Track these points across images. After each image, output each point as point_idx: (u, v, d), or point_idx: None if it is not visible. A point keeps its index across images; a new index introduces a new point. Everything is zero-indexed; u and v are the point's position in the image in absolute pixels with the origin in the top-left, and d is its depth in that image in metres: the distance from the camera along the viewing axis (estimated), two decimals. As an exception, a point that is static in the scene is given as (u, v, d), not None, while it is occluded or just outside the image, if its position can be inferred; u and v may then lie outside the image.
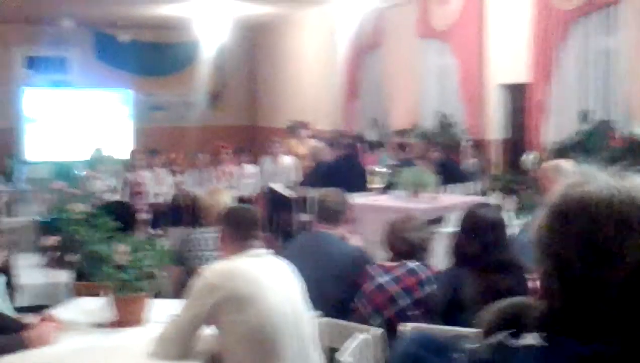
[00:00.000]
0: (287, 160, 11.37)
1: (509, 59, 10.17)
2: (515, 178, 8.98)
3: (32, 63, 17.84)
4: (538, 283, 1.39)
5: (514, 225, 5.85)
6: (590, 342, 1.26)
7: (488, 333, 1.36)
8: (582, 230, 1.28)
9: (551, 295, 1.31)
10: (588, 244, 1.27)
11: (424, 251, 4.33)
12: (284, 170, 11.20)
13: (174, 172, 10.89)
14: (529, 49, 9.46)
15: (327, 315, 3.94)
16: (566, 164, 5.59)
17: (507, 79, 10.40)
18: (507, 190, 8.86)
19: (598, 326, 1.27)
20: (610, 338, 1.25)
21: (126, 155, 11.24)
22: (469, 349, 1.36)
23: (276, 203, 10.75)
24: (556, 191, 1.37)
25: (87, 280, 4.38)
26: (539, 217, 1.37)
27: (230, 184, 10.44)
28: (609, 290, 1.26)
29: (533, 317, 1.34)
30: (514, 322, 1.34)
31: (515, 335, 1.32)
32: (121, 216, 4.87)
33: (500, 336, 1.33)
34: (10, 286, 4.94)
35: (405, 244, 4.24)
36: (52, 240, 5.56)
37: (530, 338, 1.30)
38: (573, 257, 1.28)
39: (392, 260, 4.26)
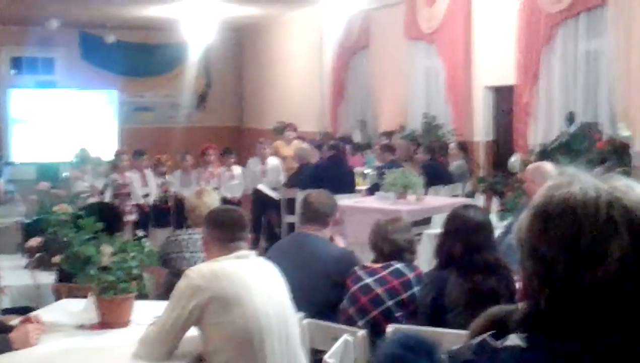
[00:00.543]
0: (273, 161, 11.36)
1: (495, 61, 10.20)
2: (501, 180, 9.01)
3: (18, 64, 17.75)
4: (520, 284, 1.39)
5: (498, 227, 5.86)
6: (572, 342, 1.26)
7: (474, 336, 1.36)
8: (566, 231, 1.28)
9: (534, 296, 1.32)
10: (572, 245, 1.27)
11: (410, 252, 4.33)
12: (270, 172, 11.19)
13: (160, 173, 10.85)
14: (515, 51, 9.50)
15: (314, 316, 3.94)
16: (547, 166, 5.63)
17: (493, 81, 10.43)
18: (493, 192, 8.89)
19: (581, 326, 1.27)
20: (592, 338, 1.26)
21: (111, 156, 11.19)
22: (452, 350, 1.36)
23: (262, 204, 10.75)
24: (539, 192, 1.37)
25: (71, 282, 4.35)
26: (522, 218, 1.37)
27: (216, 185, 10.41)
28: (592, 290, 1.26)
29: (516, 318, 1.34)
30: (501, 326, 1.35)
31: (499, 336, 1.32)
32: (106, 217, 4.84)
33: (483, 337, 1.33)
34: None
35: (391, 245, 4.24)
36: (35, 241, 5.53)
37: (513, 339, 1.30)
38: (556, 258, 1.28)
39: (377, 261, 4.26)
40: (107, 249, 3.69)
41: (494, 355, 1.30)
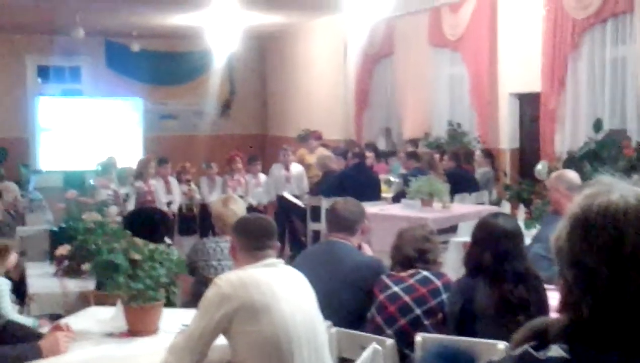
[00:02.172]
0: (297, 168, 11.36)
1: (520, 68, 10.15)
2: (527, 187, 8.94)
3: (45, 72, 17.94)
4: (558, 295, 1.38)
5: (525, 235, 5.82)
6: (616, 353, 1.24)
7: (515, 347, 1.35)
8: (608, 239, 1.27)
9: (575, 306, 1.30)
10: (614, 253, 1.26)
11: (436, 260, 4.30)
12: (294, 179, 11.19)
13: (184, 181, 10.89)
14: (541, 57, 9.44)
15: (342, 325, 3.92)
16: (570, 174, 5.60)
17: (519, 88, 10.37)
18: (519, 200, 8.83)
19: (625, 336, 1.26)
20: (637, 348, 1.24)
21: (136, 164, 11.25)
22: (493, 361, 1.35)
23: (286, 211, 10.75)
24: (576, 201, 1.36)
25: (101, 289, 4.39)
26: (560, 227, 1.36)
27: (243, 193, 10.45)
28: (636, 299, 1.25)
29: (557, 328, 1.33)
30: (542, 337, 1.33)
31: (540, 347, 1.31)
32: (153, 223, 4.93)
33: (525, 348, 1.32)
34: (23, 294, 4.96)
35: (416, 253, 4.22)
36: (64, 249, 5.57)
37: (555, 350, 1.29)
38: (599, 267, 1.27)
39: (402, 269, 4.24)
40: (136, 256, 3.69)
41: None
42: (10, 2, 12.98)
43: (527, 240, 5.25)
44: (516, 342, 1.39)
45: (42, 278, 5.46)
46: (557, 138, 9.32)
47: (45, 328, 3.81)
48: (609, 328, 1.27)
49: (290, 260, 4.11)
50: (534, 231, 6.02)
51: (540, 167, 8.99)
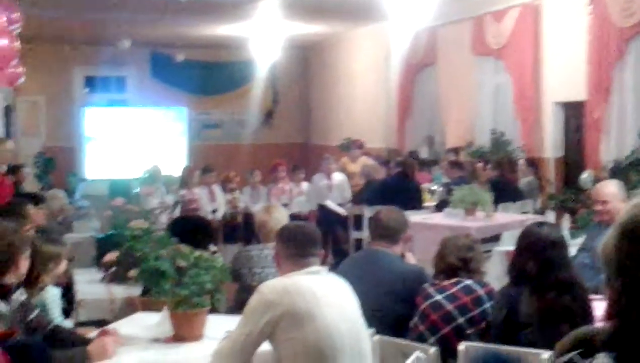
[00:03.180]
0: (339, 177, 11.38)
1: (565, 77, 10.06)
2: (571, 197, 8.85)
3: (92, 83, 18.25)
4: (604, 304, 1.38)
5: (570, 244, 5.78)
6: None
7: (560, 356, 1.36)
8: None
9: (622, 315, 1.30)
10: None
11: (479, 269, 4.29)
12: (335, 187, 11.22)
13: (228, 190, 10.99)
14: (585, 66, 9.35)
15: (385, 333, 3.93)
16: (610, 185, 5.56)
17: (563, 97, 10.29)
18: (564, 209, 8.74)
19: None
20: None
21: (180, 173, 11.38)
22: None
23: (328, 220, 10.77)
24: (624, 211, 1.36)
25: (148, 295, 4.45)
26: (607, 237, 1.36)
27: (286, 201, 10.51)
28: None
29: (603, 337, 1.33)
30: (587, 345, 1.34)
31: (586, 355, 1.31)
32: (198, 230, 5.01)
33: (570, 356, 1.32)
34: (70, 300, 5.05)
35: (460, 261, 4.22)
36: (112, 255, 5.66)
37: (601, 358, 1.29)
38: None
39: (445, 277, 4.23)
40: (182, 264, 3.74)
41: None
42: (59, 14, 13.25)
43: (573, 251, 5.22)
44: (561, 349, 1.40)
45: (89, 285, 5.56)
46: (602, 147, 9.22)
47: (93, 334, 3.88)
48: None
49: (333, 269, 4.13)
50: (579, 241, 5.97)
51: (586, 176, 8.90)
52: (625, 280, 1.30)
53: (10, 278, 3.60)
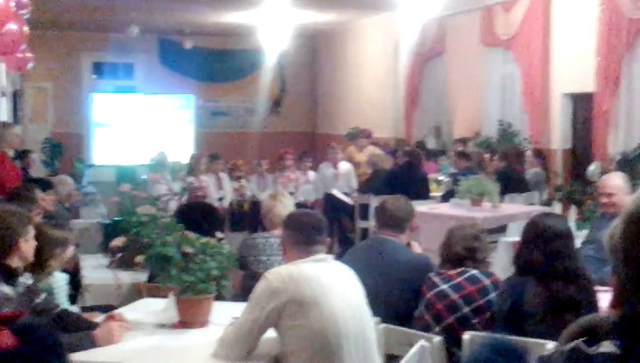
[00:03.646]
0: (345, 166, 11.39)
1: (574, 68, 10.02)
2: (578, 188, 8.84)
3: (100, 69, 18.27)
4: (610, 294, 1.38)
5: (577, 236, 5.78)
6: None
7: (566, 343, 1.36)
8: None
9: (627, 303, 1.31)
10: None
11: (485, 259, 4.29)
12: (342, 176, 11.22)
13: (236, 178, 11.01)
14: (595, 57, 9.31)
15: (389, 321, 3.94)
16: (615, 177, 5.57)
17: (572, 88, 10.25)
18: (570, 201, 8.73)
19: None
20: None
21: (187, 160, 11.40)
22: (544, 356, 1.36)
23: (334, 209, 10.79)
24: (631, 200, 1.36)
25: (154, 281, 4.47)
26: (614, 225, 1.36)
27: (293, 190, 10.53)
28: None
29: (608, 325, 1.33)
30: (592, 333, 1.34)
31: (591, 343, 1.31)
32: (207, 216, 5.01)
33: (576, 343, 1.32)
34: (76, 285, 5.07)
35: (466, 251, 4.22)
36: (119, 241, 5.68)
37: (607, 346, 1.29)
38: None
39: (451, 267, 4.24)
40: (188, 249, 3.76)
41: (588, 361, 1.29)
42: (68, 0, 13.25)
43: (578, 242, 5.22)
44: (566, 337, 1.40)
45: (96, 270, 5.58)
46: (610, 139, 9.19)
47: (99, 319, 3.90)
48: None
49: (339, 257, 4.14)
50: (585, 232, 5.97)
51: (593, 168, 8.88)
52: (631, 268, 1.30)
53: (14, 262, 3.61)
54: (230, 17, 15.19)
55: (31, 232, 3.72)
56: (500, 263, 5.95)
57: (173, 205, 8.82)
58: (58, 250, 4.36)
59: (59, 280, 4.44)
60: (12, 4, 5.81)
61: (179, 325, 3.83)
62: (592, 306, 3.68)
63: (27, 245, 3.68)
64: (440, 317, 4.07)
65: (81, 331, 3.63)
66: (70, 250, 4.54)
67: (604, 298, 3.69)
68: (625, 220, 1.34)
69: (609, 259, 1.36)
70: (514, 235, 6.60)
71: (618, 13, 8.93)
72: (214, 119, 18.74)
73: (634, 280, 1.30)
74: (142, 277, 5.09)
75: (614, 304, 1.34)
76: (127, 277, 5.33)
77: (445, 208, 8.55)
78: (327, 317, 3.26)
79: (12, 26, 6.09)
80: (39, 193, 5.93)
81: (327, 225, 3.65)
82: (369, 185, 10.43)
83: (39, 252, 3.89)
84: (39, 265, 4.10)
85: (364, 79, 16.55)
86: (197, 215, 5.13)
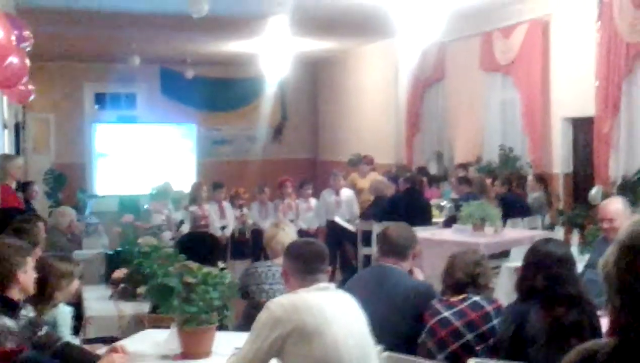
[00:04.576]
0: (347, 193, 11.39)
1: (573, 92, 10.06)
2: (581, 212, 8.83)
3: (102, 99, 18.35)
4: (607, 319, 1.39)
5: (579, 260, 5.77)
6: None
7: None
8: None
9: (623, 330, 1.31)
10: None
11: (487, 285, 4.29)
12: (344, 203, 11.22)
13: (237, 206, 11.02)
14: (594, 81, 9.34)
15: (393, 349, 3.93)
16: (615, 202, 5.57)
17: (572, 113, 10.28)
18: (573, 225, 8.72)
19: None
20: None
21: (189, 189, 11.40)
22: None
23: (337, 236, 10.78)
24: (624, 227, 1.37)
25: (156, 312, 4.47)
26: (608, 253, 1.37)
27: (293, 217, 10.52)
28: None
29: (605, 351, 1.34)
30: (591, 360, 1.34)
31: None
32: (208, 246, 5.02)
33: None
34: (79, 317, 5.07)
35: (468, 277, 4.22)
36: (121, 272, 5.68)
37: None
38: None
39: (453, 293, 4.23)
40: (190, 280, 3.75)
41: None
42: (69, 32, 13.35)
43: (580, 266, 5.21)
44: None
45: (98, 301, 5.57)
46: (611, 163, 9.19)
47: (101, 351, 3.89)
48: None
49: (342, 285, 4.14)
50: (587, 256, 5.96)
51: (595, 191, 8.88)
52: (625, 296, 1.31)
53: (15, 294, 3.62)
54: (231, 46, 15.29)
55: (30, 263, 3.73)
56: (504, 289, 5.94)
57: (167, 236, 8.80)
58: (64, 282, 4.37)
59: (64, 313, 4.44)
60: (13, 37, 5.86)
61: (181, 356, 3.82)
62: (596, 330, 3.67)
63: (26, 277, 3.68)
64: (444, 344, 4.07)
65: (84, 363, 3.63)
66: (76, 283, 4.54)
67: (607, 322, 3.68)
68: (618, 248, 1.34)
69: (602, 288, 1.37)
70: (517, 260, 6.58)
71: (616, 37, 8.97)
72: (215, 147, 18.79)
73: (627, 309, 1.31)
74: (144, 307, 5.08)
75: (611, 331, 1.35)
76: (129, 308, 5.32)
77: (447, 234, 8.55)
78: (330, 346, 3.26)
79: (13, 60, 6.12)
80: (41, 226, 5.94)
81: (328, 254, 3.65)
82: (371, 211, 10.42)
83: (44, 284, 3.89)
84: (44, 297, 4.11)
85: (364, 106, 16.61)
86: (199, 245, 5.14)
